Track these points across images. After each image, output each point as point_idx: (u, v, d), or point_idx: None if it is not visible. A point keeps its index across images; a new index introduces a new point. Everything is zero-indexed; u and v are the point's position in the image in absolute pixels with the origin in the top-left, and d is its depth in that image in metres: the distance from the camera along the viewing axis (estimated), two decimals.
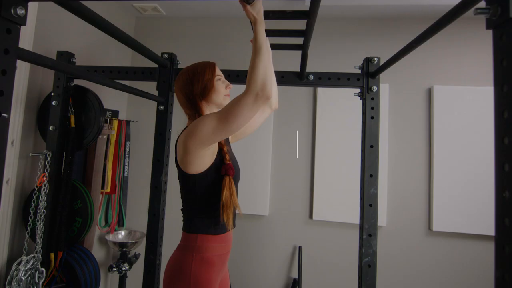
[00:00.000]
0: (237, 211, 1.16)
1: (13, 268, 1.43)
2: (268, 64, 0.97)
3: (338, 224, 2.20)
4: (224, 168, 1.08)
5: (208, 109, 1.17)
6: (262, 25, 1.00)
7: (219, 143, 1.13)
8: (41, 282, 1.45)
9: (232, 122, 0.95)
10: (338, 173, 2.20)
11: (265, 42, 0.99)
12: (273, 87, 1.32)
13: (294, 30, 1.22)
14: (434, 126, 2.15)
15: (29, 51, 0.73)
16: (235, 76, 1.58)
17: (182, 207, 1.17)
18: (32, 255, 1.48)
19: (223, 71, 1.57)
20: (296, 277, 2.17)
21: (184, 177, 1.10)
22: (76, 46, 1.87)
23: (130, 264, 2.09)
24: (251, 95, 0.93)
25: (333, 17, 2.34)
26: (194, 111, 1.15)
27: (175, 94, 1.23)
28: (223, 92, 1.18)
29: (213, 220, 1.10)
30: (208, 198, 1.09)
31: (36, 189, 1.52)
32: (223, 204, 1.06)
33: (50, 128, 1.56)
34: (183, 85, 1.16)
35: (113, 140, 2.10)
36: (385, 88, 2.20)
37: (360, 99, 1.52)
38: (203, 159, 1.05)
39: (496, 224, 0.52)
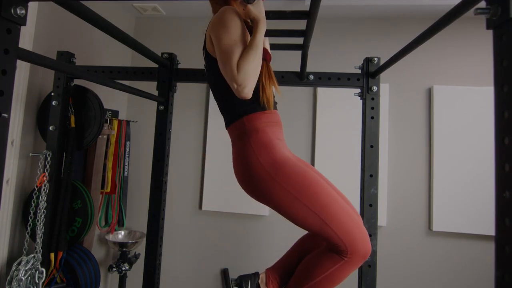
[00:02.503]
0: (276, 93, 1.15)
1: (13, 268, 1.43)
2: (258, 66, 0.98)
3: None
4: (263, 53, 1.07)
5: (237, 5, 1.13)
6: (264, 26, 1.01)
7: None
8: (41, 282, 1.45)
9: (218, 61, 1.00)
10: (338, 173, 2.20)
11: (261, 43, 1.00)
12: None
13: (294, 30, 1.22)
14: (434, 126, 2.15)
15: (29, 51, 0.73)
16: None
17: (219, 108, 1.15)
18: (32, 255, 1.48)
19: None
20: None
21: (218, 66, 1.06)
22: (76, 46, 1.87)
23: (130, 264, 2.09)
24: (233, 84, 0.96)
25: (333, 17, 2.34)
26: (224, 4, 1.12)
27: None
28: None
29: (256, 102, 1.07)
30: None
31: (36, 189, 1.52)
32: (263, 85, 1.06)
33: (50, 128, 1.56)
34: None
35: (113, 140, 2.10)
36: (385, 88, 2.20)
37: (360, 99, 1.52)
38: None
39: (496, 224, 0.52)
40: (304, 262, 1.09)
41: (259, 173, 1.00)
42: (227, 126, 1.14)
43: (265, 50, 1.10)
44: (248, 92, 0.96)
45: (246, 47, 1.00)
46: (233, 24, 1.00)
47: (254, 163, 1.01)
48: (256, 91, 1.07)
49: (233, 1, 1.13)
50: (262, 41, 1.00)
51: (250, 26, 1.15)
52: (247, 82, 0.95)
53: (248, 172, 1.02)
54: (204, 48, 1.13)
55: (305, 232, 1.16)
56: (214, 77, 1.11)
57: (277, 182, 0.98)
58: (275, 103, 1.18)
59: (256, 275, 1.21)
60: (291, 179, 0.98)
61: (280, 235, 2.26)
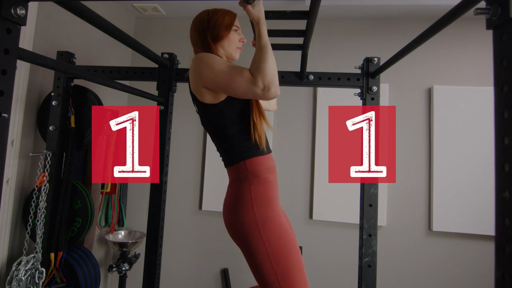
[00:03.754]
0: (271, 132, 1.16)
1: (13, 268, 1.43)
2: (274, 63, 0.97)
3: (338, 224, 2.20)
4: None
5: (220, 53, 1.15)
6: (265, 25, 1.00)
7: None
8: (41, 282, 1.45)
9: (230, 93, 1.00)
10: None
11: (269, 41, 0.99)
12: None
13: (294, 30, 1.22)
14: (434, 126, 2.15)
15: (29, 51, 0.73)
16: None
17: (217, 149, 1.16)
18: (32, 255, 1.48)
19: None
20: None
21: (211, 109, 1.07)
22: (76, 46, 1.87)
23: (130, 264, 2.09)
24: (256, 91, 0.94)
25: (333, 17, 2.34)
26: (204, 50, 1.13)
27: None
28: (236, 44, 1.17)
29: (254, 143, 1.08)
30: (242, 119, 1.08)
31: (36, 189, 1.52)
32: (254, 123, 1.06)
33: (50, 128, 1.56)
34: (199, 22, 1.15)
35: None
36: (385, 88, 2.20)
37: (360, 99, 1.52)
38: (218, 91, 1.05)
39: (496, 224, 0.52)
40: None
41: (249, 222, 1.02)
42: (226, 166, 1.14)
43: None
44: (275, 91, 0.95)
45: (255, 51, 0.98)
46: (215, 59, 1.02)
47: (248, 211, 1.02)
48: (247, 129, 1.07)
49: (213, 47, 1.12)
50: (268, 39, 0.99)
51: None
52: (268, 81, 0.93)
53: (239, 216, 1.03)
54: (194, 98, 1.12)
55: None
56: (209, 122, 1.11)
57: (261, 237, 1.00)
58: (268, 145, 1.17)
59: None
60: (274, 241, 1.01)
61: None
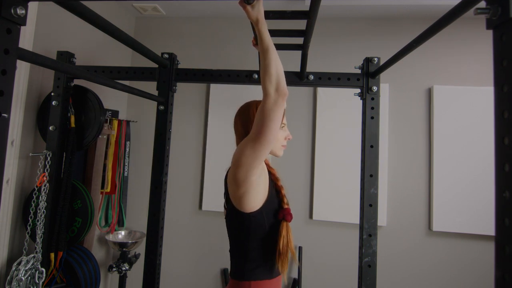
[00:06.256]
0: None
1: (13, 268, 1.43)
2: (278, 62, 0.94)
3: (338, 224, 2.20)
4: (283, 213, 1.05)
5: None
6: (265, 25, 0.99)
7: (276, 185, 1.11)
8: (41, 282, 1.45)
9: (267, 131, 0.91)
10: (338, 173, 2.20)
11: (271, 41, 0.97)
12: None
13: (294, 30, 1.22)
14: (434, 126, 2.15)
15: (29, 51, 0.73)
16: (235, 76, 1.58)
17: (230, 249, 1.11)
18: (32, 255, 1.48)
19: (223, 71, 1.58)
20: (296, 277, 2.17)
21: (238, 216, 1.04)
22: (76, 46, 1.87)
23: (130, 264, 2.09)
24: (270, 97, 0.90)
25: (333, 17, 2.34)
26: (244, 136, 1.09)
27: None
28: (281, 142, 1.13)
29: (268, 264, 1.05)
30: (265, 241, 1.04)
31: (36, 189, 1.52)
32: (280, 252, 1.02)
33: (50, 128, 1.56)
34: (245, 114, 1.11)
35: (113, 140, 2.10)
36: (385, 88, 2.20)
37: (360, 99, 1.52)
38: (257, 190, 1.00)
39: (496, 224, 0.52)
40: None
41: None
42: (230, 276, 1.09)
43: (287, 210, 1.06)
44: (284, 91, 0.90)
45: (260, 55, 0.95)
46: (242, 142, 0.98)
47: None
48: (271, 255, 1.04)
49: None
50: (270, 40, 0.95)
51: None
52: (275, 85, 0.89)
53: None
54: (228, 200, 1.08)
55: None
56: (234, 228, 1.08)
57: None
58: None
59: None
60: None
61: None
